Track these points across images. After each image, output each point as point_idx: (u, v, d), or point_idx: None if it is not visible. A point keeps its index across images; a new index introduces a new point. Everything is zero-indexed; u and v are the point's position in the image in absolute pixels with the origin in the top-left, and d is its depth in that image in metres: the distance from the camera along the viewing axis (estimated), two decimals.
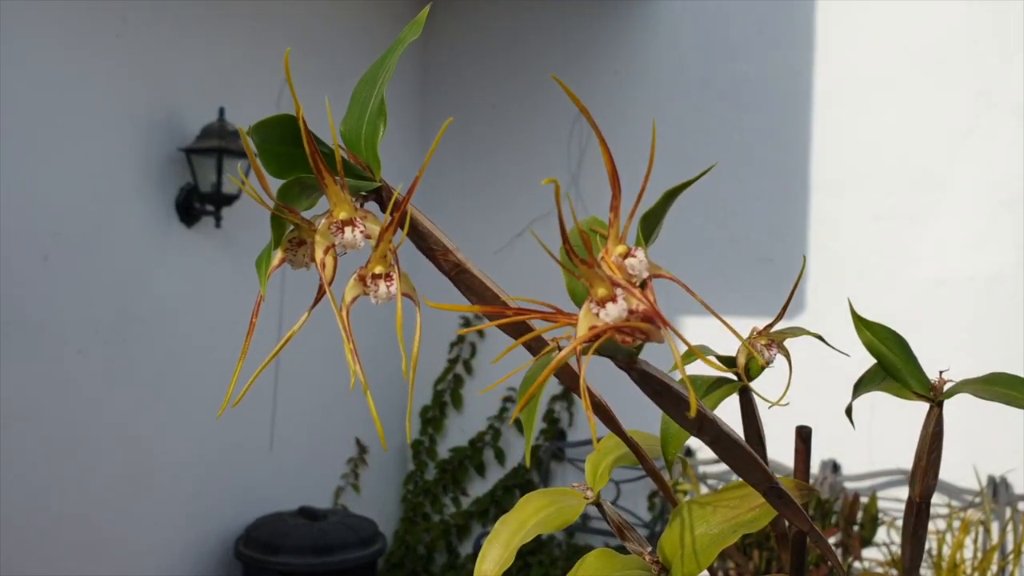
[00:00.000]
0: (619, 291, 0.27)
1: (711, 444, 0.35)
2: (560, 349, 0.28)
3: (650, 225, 0.34)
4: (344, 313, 0.32)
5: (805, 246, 2.57)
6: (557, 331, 0.30)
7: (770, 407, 0.47)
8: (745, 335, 0.49)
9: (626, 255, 0.28)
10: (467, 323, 3.00)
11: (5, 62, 1.91)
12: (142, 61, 2.23)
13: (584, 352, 0.28)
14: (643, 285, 0.28)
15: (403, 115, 3.17)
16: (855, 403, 0.49)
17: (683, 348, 0.29)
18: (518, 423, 3.06)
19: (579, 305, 0.28)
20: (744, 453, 0.35)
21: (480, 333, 3.09)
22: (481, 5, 3.18)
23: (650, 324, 0.26)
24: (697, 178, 0.34)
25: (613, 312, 0.26)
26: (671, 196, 0.34)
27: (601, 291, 0.27)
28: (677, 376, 0.34)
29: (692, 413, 0.28)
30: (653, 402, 0.33)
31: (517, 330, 0.35)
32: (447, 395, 3.16)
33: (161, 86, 2.29)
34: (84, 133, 2.12)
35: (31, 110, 1.99)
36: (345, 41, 2.88)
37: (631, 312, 0.26)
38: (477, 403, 3.14)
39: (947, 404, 0.45)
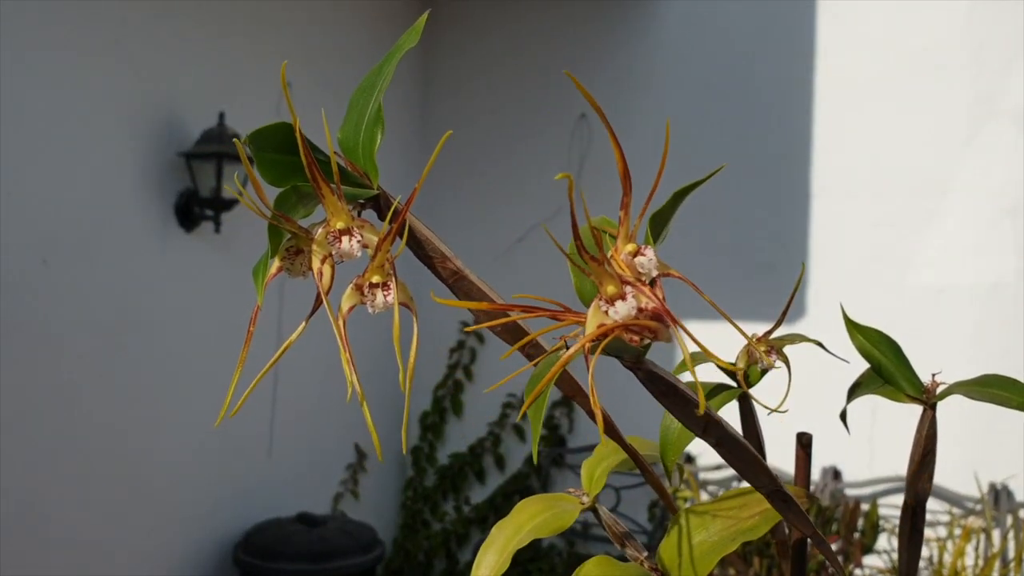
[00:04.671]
0: (629, 289, 0.27)
1: (716, 446, 0.35)
2: (568, 348, 0.28)
3: (659, 225, 0.34)
4: (341, 323, 0.32)
5: (806, 252, 2.57)
6: (563, 329, 0.30)
7: (769, 413, 0.46)
8: (746, 341, 0.48)
9: (636, 253, 0.29)
10: (467, 326, 2.99)
11: (4, 66, 1.91)
12: (142, 65, 2.23)
13: (592, 351, 0.28)
14: (652, 283, 0.28)
15: (404, 119, 3.17)
16: (856, 409, 0.48)
17: (692, 346, 0.29)
18: (518, 428, 3.06)
19: (587, 304, 0.28)
20: (749, 455, 0.35)
21: (480, 339, 3.09)
22: (483, 9, 3.18)
23: (659, 322, 0.26)
24: (706, 179, 0.35)
25: (623, 310, 0.26)
26: (680, 196, 0.34)
27: (611, 289, 0.27)
28: (686, 375, 0.33)
29: (701, 411, 0.28)
30: (659, 403, 0.33)
31: (517, 336, 0.35)
32: (447, 401, 3.16)
33: (161, 90, 2.29)
34: (83, 137, 2.11)
35: (30, 114, 1.99)
36: (346, 46, 2.88)
37: (640, 310, 0.27)
38: (477, 409, 3.13)
39: (948, 411, 0.45)
